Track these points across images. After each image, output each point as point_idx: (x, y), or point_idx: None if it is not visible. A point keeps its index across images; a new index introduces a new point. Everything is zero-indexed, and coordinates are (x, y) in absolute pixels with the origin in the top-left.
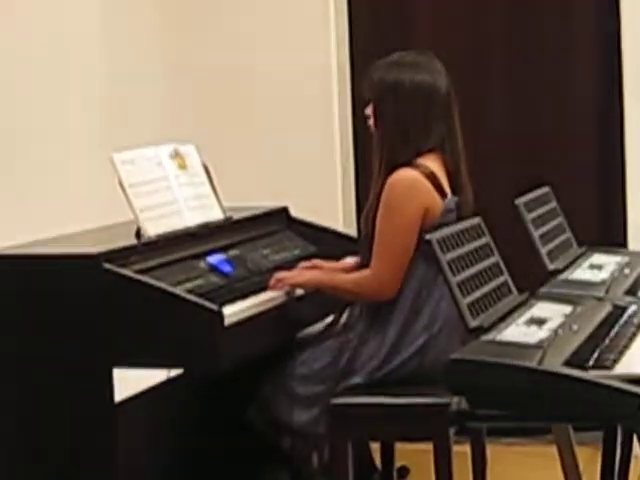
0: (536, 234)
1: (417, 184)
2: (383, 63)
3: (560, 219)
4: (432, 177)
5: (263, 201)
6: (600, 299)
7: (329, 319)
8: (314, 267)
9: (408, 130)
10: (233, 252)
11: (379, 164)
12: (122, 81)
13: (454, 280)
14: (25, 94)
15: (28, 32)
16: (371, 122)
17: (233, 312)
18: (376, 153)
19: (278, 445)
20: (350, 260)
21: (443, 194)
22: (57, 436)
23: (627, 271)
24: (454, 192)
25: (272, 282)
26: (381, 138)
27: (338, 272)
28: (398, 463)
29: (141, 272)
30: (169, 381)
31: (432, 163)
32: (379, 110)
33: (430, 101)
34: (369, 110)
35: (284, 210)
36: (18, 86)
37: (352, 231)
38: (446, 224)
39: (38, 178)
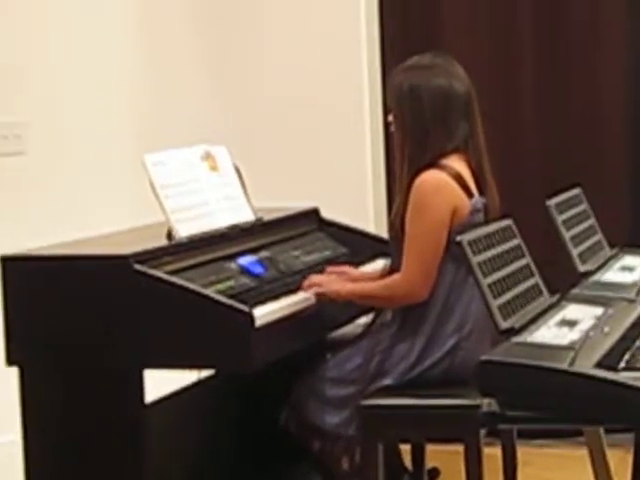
0: (567, 236)
1: (444, 184)
2: (400, 68)
3: (591, 221)
4: (458, 177)
5: (294, 202)
6: (631, 301)
7: (364, 320)
8: (343, 273)
9: (427, 134)
10: (264, 253)
11: (401, 168)
12: (155, 82)
13: (485, 282)
14: (59, 94)
15: (63, 33)
16: (393, 128)
17: (264, 313)
18: (398, 157)
19: (309, 447)
20: (381, 263)
21: (470, 194)
22: (88, 437)
23: None
24: (480, 192)
25: (305, 285)
26: (401, 142)
27: (367, 280)
28: (429, 465)
29: (172, 273)
30: (200, 382)
31: (456, 163)
32: (398, 115)
33: (447, 103)
34: (391, 117)
35: (315, 211)
36: (52, 88)
37: (383, 232)
38: (474, 224)
39: (70, 180)
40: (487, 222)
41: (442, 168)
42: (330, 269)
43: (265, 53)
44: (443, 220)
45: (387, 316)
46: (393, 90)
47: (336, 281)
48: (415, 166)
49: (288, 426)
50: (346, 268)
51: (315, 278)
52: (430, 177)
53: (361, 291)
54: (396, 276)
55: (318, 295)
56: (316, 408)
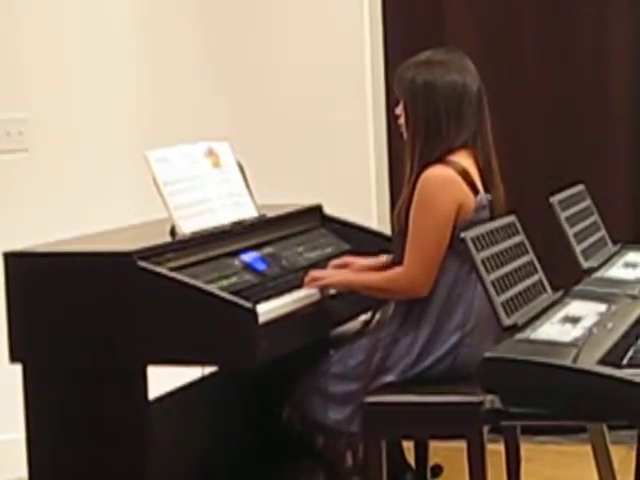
0: (570, 232)
1: (450, 180)
2: (412, 62)
3: (594, 217)
4: (464, 174)
5: (297, 199)
6: (634, 297)
7: (363, 317)
8: (345, 265)
9: (439, 129)
10: (267, 250)
11: (411, 162)
12: (158, 79)
13: (488, 278)
14: (62, 92)
15: (67, 31)
16: (401, 121)
17: (267, 310)
18: (408, 151)
19: (312, 443)
20: (383, 257)
21: (475, 191)
22: (91, 433)
23: None
24: (486, 189)
25: (307, 280)
26: (412, 137)
27: (369, 270)
28: (431, 461)
29: (175, 270)
30: (203, 379)
31: (464, 159)
32: (410, 110)
33: (461, 100)
34: (399, 110)
35: (318, 208)
36: (55, 85)
37: (386, 229)
38: (479, 221)
39: (73, 177)
40: (493, 219)
41: (448, 164)
42: (333, 262)
43: (268, 50)
44: (448, 216)
45: (388, 313)
46: (405, 84)
47: (337, 273)
48: (425, 160)
49: (291, 422)
50: (348, 258)
51: (315, 273)
52: (436, 173)
53: (362, 282)
54: (398, 269)
55: (321, 287)
56: (319, 404)
